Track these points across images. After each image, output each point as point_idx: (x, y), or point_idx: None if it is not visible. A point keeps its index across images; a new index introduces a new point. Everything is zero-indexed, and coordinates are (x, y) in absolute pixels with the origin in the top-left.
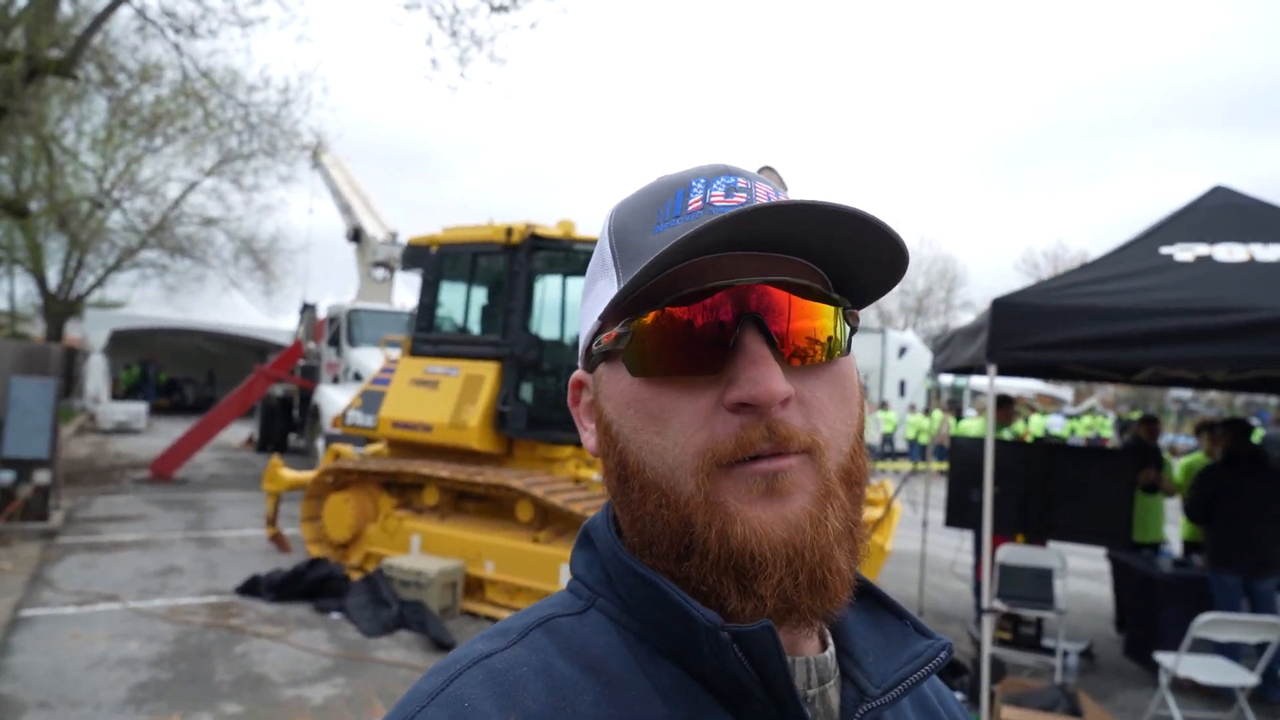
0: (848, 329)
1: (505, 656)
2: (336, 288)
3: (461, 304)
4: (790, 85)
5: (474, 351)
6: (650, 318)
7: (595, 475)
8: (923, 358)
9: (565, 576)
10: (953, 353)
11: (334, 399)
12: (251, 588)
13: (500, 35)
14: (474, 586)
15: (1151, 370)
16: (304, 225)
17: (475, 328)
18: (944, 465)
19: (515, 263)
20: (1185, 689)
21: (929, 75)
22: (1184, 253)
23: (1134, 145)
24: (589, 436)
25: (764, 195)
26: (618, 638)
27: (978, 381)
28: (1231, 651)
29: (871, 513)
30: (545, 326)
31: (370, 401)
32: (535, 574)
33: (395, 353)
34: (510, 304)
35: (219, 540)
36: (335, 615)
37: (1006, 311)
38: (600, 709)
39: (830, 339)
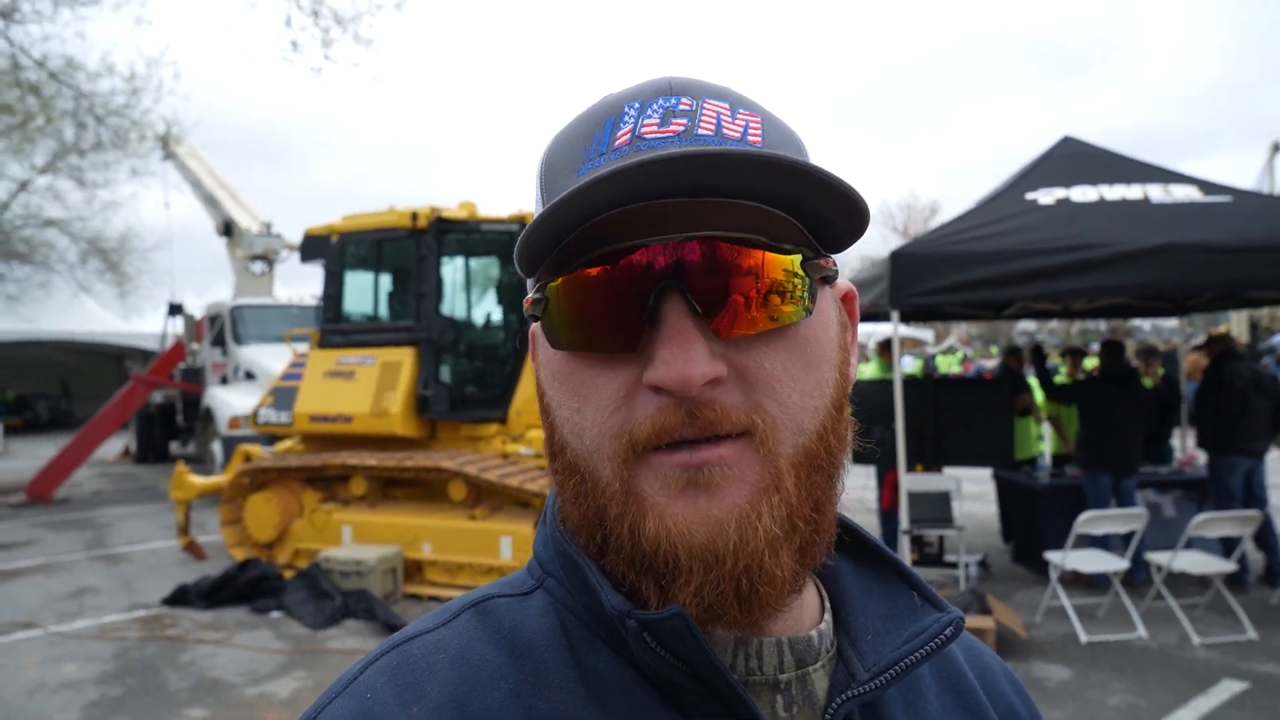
0: (808, 282)
1: (428, 640)
2: (198, 285)
3: (369, 292)
4: (657, 34)
5: (388, 339)
6: (561, 283)
7: (523, 449)
8: None
9: (506, 550)
10: None
11: (227, 400)
12: (180, 598)
13: (365, 15)
14: (412, 570)
15: (1019, 305)
16: (161, 220)
17: (385, 315)
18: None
19: (423, 247)
20: (1067, 581)
21: (777, 38)
22: (1046, 197)
23: (969, 96)
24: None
25: (710, 118)
26: (556, 621)
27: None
28: (1103, 544)
29: None
30: (457, 308)
31: (282, 398)
32: (475, 550)
33: (302, 347)
34: (422, 289)
35: (126, 556)
36: (276, 614)
37: (903, 262)
38: (519, 698)
39: (781, 298)
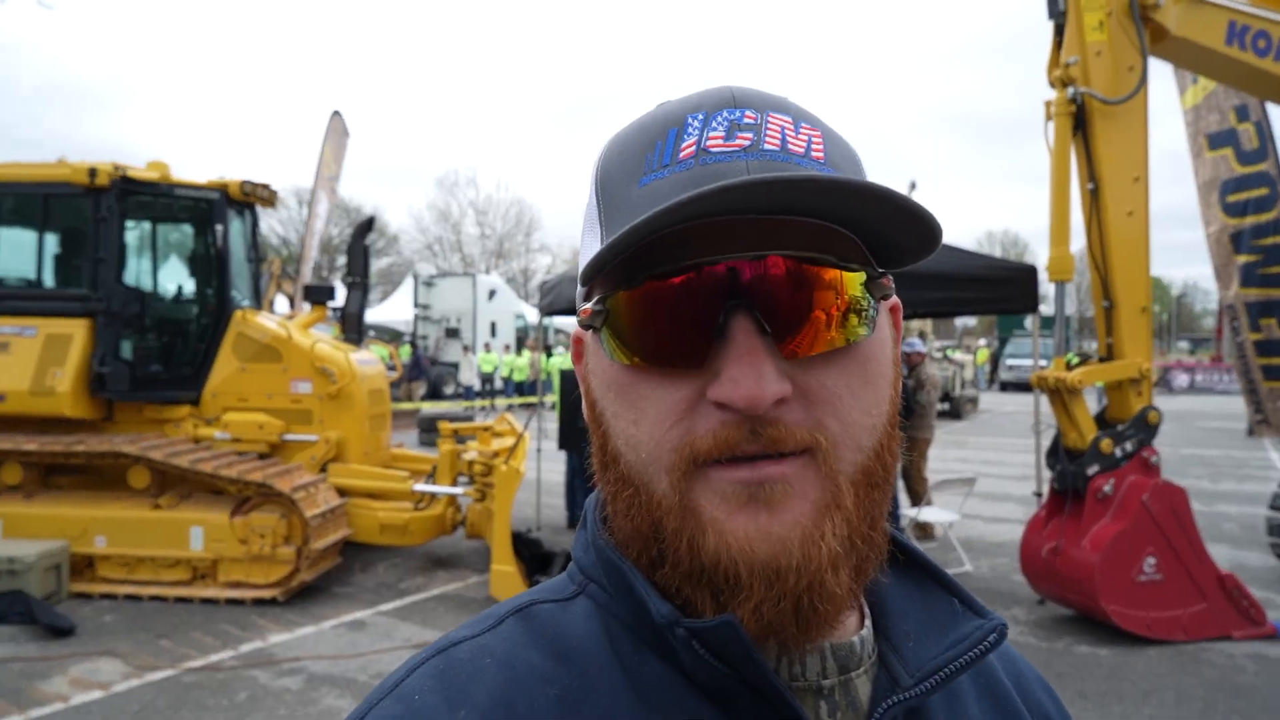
0: (872, 300)
1: (474, 644)
2: None
3: (29, 253)
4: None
5: (54, 308)
6: (625, 296)
7: (218, 434)
8: (510, 300)
9: (197, 541)
10: (559, 295)
11: None
12: None
13: None
14: (81, 566)
15: None
16: None
17: (49, 280)
18: (553, 397)
19: (102, 208)
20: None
21: (507, 25)
22: None
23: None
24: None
25: (775, 132)
26: (599, 626)
27: (560, 321)
28: None
29: (502, 443)
30: (142, 278)
31: None
32: (160, 542)
33: None
34: (99, 254)
35: None
36: None
37: None
38: (566, 702)
39: (847, 317)
